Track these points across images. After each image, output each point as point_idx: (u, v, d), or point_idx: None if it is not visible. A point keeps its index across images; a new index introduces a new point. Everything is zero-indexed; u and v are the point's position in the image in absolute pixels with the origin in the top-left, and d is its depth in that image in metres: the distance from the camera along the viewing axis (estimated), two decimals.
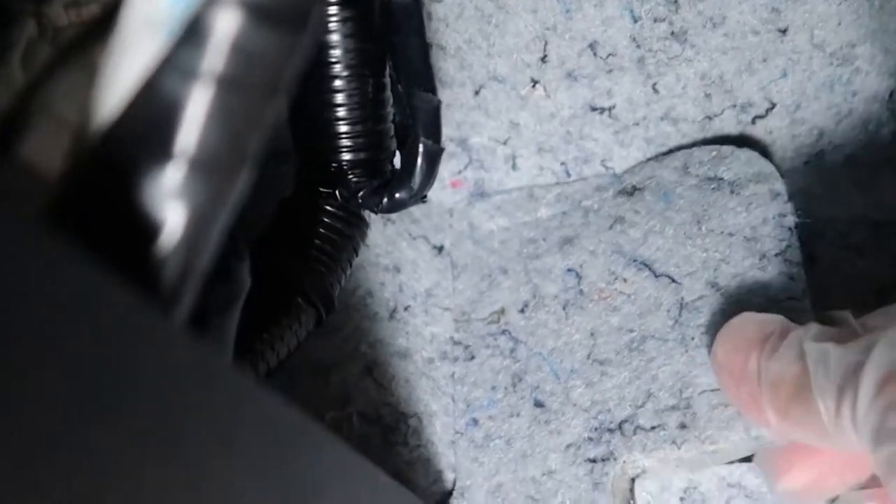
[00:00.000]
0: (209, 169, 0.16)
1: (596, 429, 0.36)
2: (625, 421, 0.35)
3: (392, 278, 0.43)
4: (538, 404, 0.38)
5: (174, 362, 0.15)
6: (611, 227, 0.41)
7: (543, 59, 0.43)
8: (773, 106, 0.43)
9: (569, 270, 0.41)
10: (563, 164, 0.44)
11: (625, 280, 0.39)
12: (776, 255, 0.37)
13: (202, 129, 0.15)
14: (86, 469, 0.13)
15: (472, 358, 0.41)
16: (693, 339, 0.36)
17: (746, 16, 0.41)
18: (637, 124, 0.43)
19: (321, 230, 0.36)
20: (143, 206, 0.16)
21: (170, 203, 0.16)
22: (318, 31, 0.33)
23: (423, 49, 0.35)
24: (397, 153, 0.38)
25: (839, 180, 0.42)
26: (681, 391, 0.35)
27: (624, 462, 0.35)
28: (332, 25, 0.34)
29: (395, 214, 0.44)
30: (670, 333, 0.37)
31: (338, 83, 0.34)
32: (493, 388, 0.39)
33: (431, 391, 0.40)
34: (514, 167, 0.44)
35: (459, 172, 0.45)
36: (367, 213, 0.39)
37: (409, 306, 0.42)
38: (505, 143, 0.44)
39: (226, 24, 0.15)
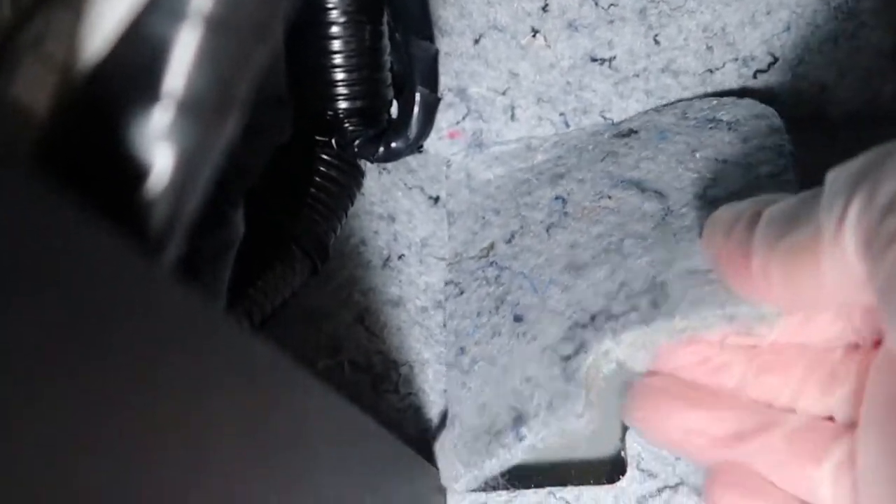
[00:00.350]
0: (197, 111, 0.15)
1: (570, 328, 0.35)
2: (597, 314, 0.34)
3: (386, 227, 0.43)
4: (517, 319, 0.37)
5: (161, 305, 0.15)
6: (602, 160, 0.40)
7: (544, 8, 0.42)
8: (776, 60, 0.42)
9: (556, 198, 0.40)
10: (561, 114, 0.44)
11: (610, 198, 0.38)
12: (770, 175, 0.35)
13: (190, 71, 0.15)
14: (70, 406, 0.13)
15: (462, 293, 0.40)
16: (675, 235, 0.34)
17: None
18: (637, 76, 0.43)
19: (316, 179, 0.36)
20: (130, 149, 0.16)
21: (158, 145, 0.15)
22: None
23: None
24: (394, 102, 0.37)
25: (840, 136, 0.42)
26: (655, 277, 0.33)
27: (595, 352, 0.33)
28: None
29: (390, 164, 0.44)
30: (651, 233, 0.35)
31: (334, 30, 0.34)
32: (479, 314, 0.39)
33: (424, 340, 0.40)
34: (512, 118, 0.44)
35: (457, 123, 0.44)
36: (362, 163, 0.39)
37: (403, 255, 0.42)
38: (504, 93, 0.44)
39: None
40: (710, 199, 0.35)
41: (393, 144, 0.35)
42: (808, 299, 0.26)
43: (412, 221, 0.43)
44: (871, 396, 0.25)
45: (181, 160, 0.16)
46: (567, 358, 0.34)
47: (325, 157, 0.36)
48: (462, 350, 0.39)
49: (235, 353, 0.17)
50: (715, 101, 0.41)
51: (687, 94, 0.43)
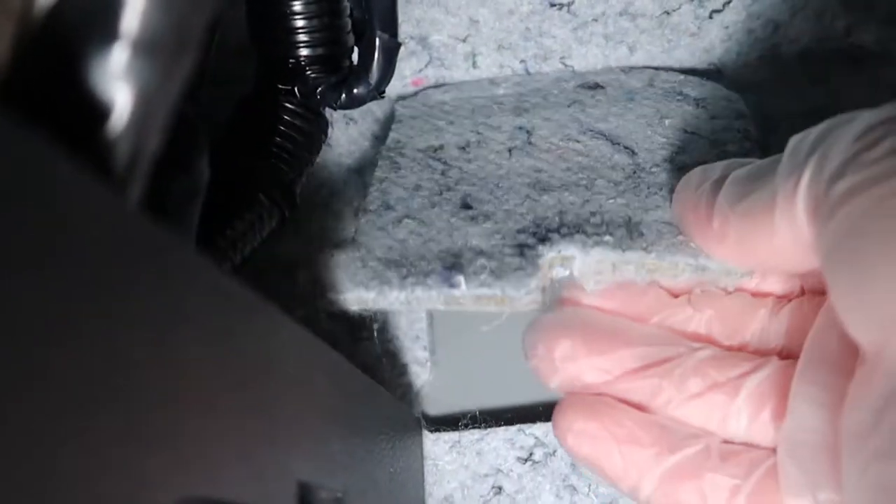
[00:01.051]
0: (154, 50, 0.16)
1: (534, 222, 0.33)
2: (565, 224, 0.33)
3: (356, 178, 0.44)
4: (466, 206, 0.35)
5: (128, 238, 0.16)
6: (569, 106, 0.40)
7: None
8: (730, 0, 0.43)
9: (519, 128, 0.39)
10: (522, 61, 0.44)
11: (578, 142, 0.38)
12: (736, 154, 0.36)
13: (145, 11, 0.16)
14: (42, 345, 0.13)
15: (398, 169, 0.38)
16: (648, 188, 0.35)
17: None
18: (595, 20, 0.43)
19: (281, 127, 0.36)
20: (90, 89, 0.16)
21: (116, 85, 0.16)
22: None
23: None
24: (355, 49, 0.38)
25: (794, 74, 0.43)
26: (630, 217, 0.33)
27: (559, 250, 0.32)
28: None
29: (357, 114, 0.44)
30: (623, 182, 0.35)
31: None
32: (417, 187, 0.36)
33: None
34: (474, 65, 0.45)
35: (420, 71, 0.45)
36: (328, 113, 0.39)
37: None
38: (464, 40, 0.44)
39: None
40: (678, 164, 0.36)
41: (355, 90, 0.36)
42: (762, 261, 0.28)
43: None
44: (808, 351, 0.27)
45: (141, 97, 0.16)
46: (525, 245, 0.32)
47: (288, 105, 0.36)
48: (387, 205, 0.36)
49: (206, 287, 0.18)
50: (682, 77, 0.41)
51: (645, 38, 0.44)
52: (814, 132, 0.25)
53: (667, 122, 0.38)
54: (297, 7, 0.34)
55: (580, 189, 0.35)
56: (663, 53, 0.44)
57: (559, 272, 0.32)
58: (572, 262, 0.32)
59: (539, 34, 0.44)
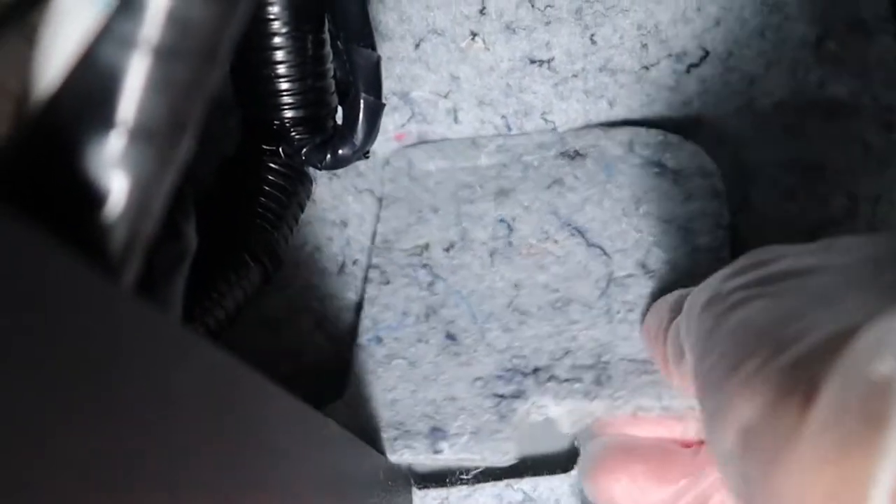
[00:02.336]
0: (150, 137, 0.16)
1: (509, 370, 0.37)
2: (540, 369, 0.36)
3: (340, 233, 0.44)
4: (450, 337, 0.38)
5: (122, 325, 0.16)
6: (549, 187, 0.42)
7: (482, 11, 0.43)
8: (707, 54, 0.44)
9: (501, 220, 0.41)
10: (503, 117, 0.45)
11: (556, 241, 0.40)
12: (708, 249, 0.38)
13: (141, 99, 0.16)
14: (31, 432, 0.13)
15: (388, 283, 0.41)
16: (619, 312, 0.37)
17: None
18: (576, 76, 0.44)
19: (265, 188, 0.36)
20: (86, 175, 0.16)
21: (113, 172, 0.16)
22: None
23: (362, 4, 0.35)
24: (339, 109, 0.38)
25: (770, 125, 0.44)
26: (599, 356, 0.36)
27: (533, 402, 0.36)
28: None
29: (340, 169, 0.44)
30: (596, 303, 0.38)
31: (277, 40, 0.34)
32: (405, 313, 0.40)
33: None
34: (455, 120, 0.45)
35: (402, 126, 0.45)
36: (311, 170, 0.39)
37: (357, 260, 0.43)
38: (446, 96, 0.45)
39: None
40: (649, 270, 0.38)
41: (340, 151, 0.36)
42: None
43: (364, 225, 0.44)
44: None
45: (137, 184, 0.16)
46: (501, 396, 0.36)
47: (273, 165, 0.37)
48: (379, 340, 0.39)
49: (201, 367, 0.18)
50: (661, 137, 0.42)
51: (624, 92, 0.44)
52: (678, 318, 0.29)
53: (641, 209, 0.40)
54: (282, 70, 0.35)
55: (556, 313, 0.38)
56: (643, 107, 0.45)
57: (535, 418, 0.36)
58: (547, 409, 0.36)
59: (520, 90, 0.44)
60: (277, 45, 0.34)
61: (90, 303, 0.15)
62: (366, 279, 0.41)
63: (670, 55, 0.44)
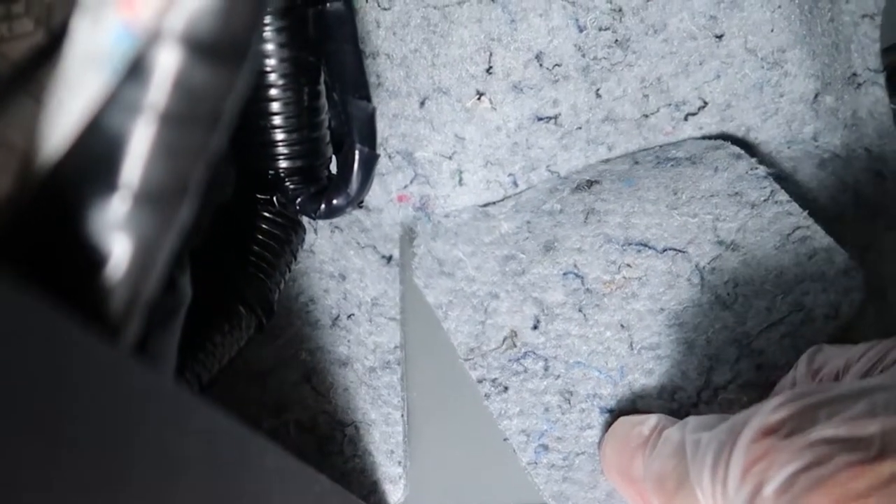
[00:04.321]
0: (153, 201, 0.16)
1: (675, 411, 0.34)
2: (703, 388, 0.34)
3: (337, 286, 0.43)
4: (603, 411, 0.36)
5: (121, 388, 0.16)
6: (586, 222, 0.40)
7: (489, 70, 0.43)
8: (705, 104, 0.44)
9: (565, 274, 0.39)
10: (510, 175, 0.45)
11: (629, 266, 0.38)
12: (765, 200, 0.37)
13: (146, 163, 0.16)
14: (35, 496, 0.13)
15: (506, 389, 0.38)
16: (728, 295, 0.35)
17: (686, 22, 0.43)
18: (580, 128, 0.44)
19: (259, 237, 0.36)
20: (89, 237, 0.16)
21: (115, 235, 0.16)
22: (257, 62, 0.34)
23: (357, 56, 0.36)
24: (334, 159, 0.38)
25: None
26: (740, 343, 0.34)
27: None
28: (267, 35, 0.34)
29: (344, 224, 0.44)
30: (702, 297, 0.36)
31: (273, 92, 0.35)
32: (546, 409, 0.37)
33: (371, 400, 0.40)
34: (460, 182, 0.45)
35: (405, 187, 0.45)
36: (313, 222, 0.39)
37: (352, 314, 0.42)
38: (451, 157, 0.44)
39: (167, 62, 0.16)
40: (726, 243, 0.37)
41: (334, 201, 0.36)
42: None
43: (363, 280, 0.43)
44: None
45: (139, 248, 0.16)
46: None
47: (267, 214, 0.37)
48: (546, 448, 0.36)
49: (201, 432, 0.18)
50: (659, 146, 0.42)
51: (623, 138, 0.45)
52: (711, 444, 0.26)
53: (683, 196, 0.39)
54: (278, 121, 0.35)
55: (674, 329, 0.36)
56: (639, 150, 0.45)
57: None
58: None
59: (527, 147, 0.44)
60: (274, 97, 0.35)
61: (88, 365, 0.15)
62: (486, 396, 0.39)
63: (670, 104, 0.44)
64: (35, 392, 0.14)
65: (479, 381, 0.39)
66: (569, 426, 0.36)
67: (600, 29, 0.42)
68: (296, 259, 0.38)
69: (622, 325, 0.37)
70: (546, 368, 0.38)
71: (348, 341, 0.41)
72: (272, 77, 0.35)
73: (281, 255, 0.37)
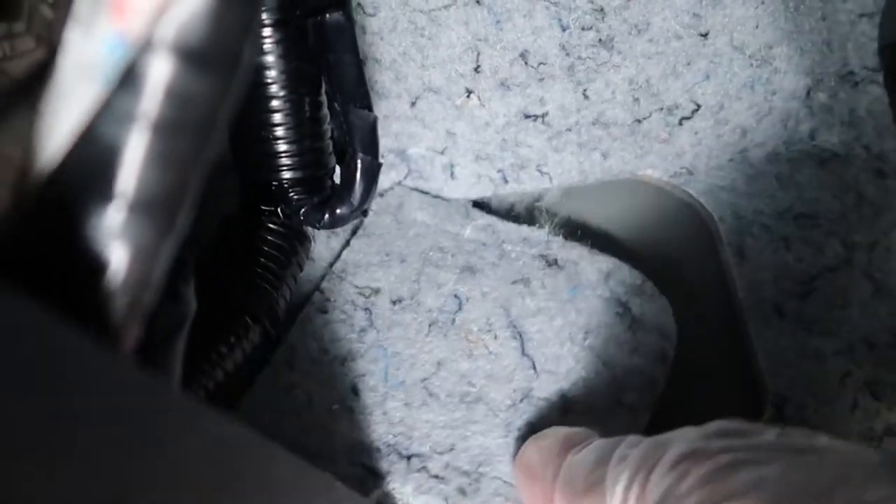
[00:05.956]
0: (149, 209, 0.16)
1: (389, 445, 0.36)
2: (416, 456, 0.36)
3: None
4: (354, 391, 0.37)
5: (124, 395, 0.16)
6: (513, 283, 0.41)
7: (476, 69, 0.44)
8: (698, 107, 0.44)
9: (455, 296, 0.40)
10: (500, 171, 0.45)
11: (495, 337, 0.39)
12: (630, 408, 0.37)
13: (141, 172, 0.16)
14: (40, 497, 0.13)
15: (325, 312, 0.40)
16: (518, 430, 0.37)
17: (669, 21, 0.43)
18: (569, 130, 0.45)
19: (264, 248, 0.37)
20: (87, 246, 0.16)
21: (112, 243, 0.16)
22: (250, 69, 0.34)
23: (358, 66, 0.36)
24: (337, 169, 0.38)
25: (763, 176, 0.44)
26: (479, 465, 0.36)
27: (392, 488, 0.35)
28: (267, 46, 0.35)
29: (340, 228, 0.44)
30: (502, 412, 0.37)
31: (275, 103, 0.35)
32: (325, 350, 0.39)
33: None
34: (452, 176, 0.45)
35: (399, 183, 0.46)
36: (309, 229, 0.39)
37: None
38: (442, 152, 0.45)
39: (160, 71, 0.16)
40: (567, 402, 0.37)
41: (338, 211, 0.36)
42: None
43: None
44: None
45: (136, 256, 0.16)
46: (369, 470, 0.36)
47: (271, 226, 0.37)
48: (291, 366, 0.38)
49: (201, 432, 0.18)
50: (639, 281, 0.41)
51: (617, 144, 0.45)
52: (632, 459, 0.27)
53: (588, 341, 0.39)
54: (280, 132, 0.35)
55: (461, 406, 0.37)
56: (636, 159, 0.45)
57: (398, 499, 0.36)
58: (404, 499, 0.35)
59: (515, 144, 0.45)
60: (275, 108, 0.35)
61: (89, 373, 0.15)
62: (309, 299, 0.40)
63: (662, 108, 0.44)
64: (35, 400, 0.14)
65: (318, 290, 0.41)
66: (321, 373, 0.38)
67: (583, 28, 0.43)
68: (301, 269, 0.39)
69: (438, 363, 0.39)
70: (362, 330, 0.40)
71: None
72: (273, 88, 0.35)
73: (286, 266, 0.37)
